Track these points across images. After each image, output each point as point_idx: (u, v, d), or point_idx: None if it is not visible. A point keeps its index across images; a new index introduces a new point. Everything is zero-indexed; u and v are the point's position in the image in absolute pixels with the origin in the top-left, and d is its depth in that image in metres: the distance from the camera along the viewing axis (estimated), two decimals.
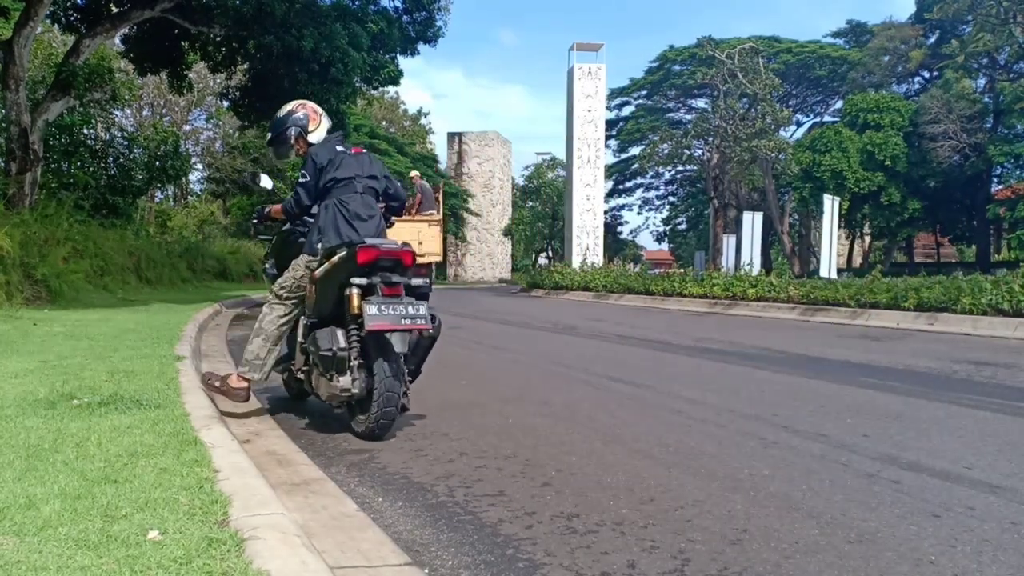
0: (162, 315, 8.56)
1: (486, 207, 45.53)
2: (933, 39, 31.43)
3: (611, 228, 44.06)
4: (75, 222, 12.90)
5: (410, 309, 3.32)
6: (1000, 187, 29.62)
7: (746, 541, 2.21)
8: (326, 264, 3.45)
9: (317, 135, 3.85)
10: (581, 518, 2.40)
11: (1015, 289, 9.47)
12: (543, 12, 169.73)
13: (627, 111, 42.34)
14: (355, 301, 3.32)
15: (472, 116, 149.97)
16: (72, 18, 14.13)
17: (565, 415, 4.04)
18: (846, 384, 5.17)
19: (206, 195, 38.84)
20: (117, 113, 24.36)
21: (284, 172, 33.78)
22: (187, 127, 35.93)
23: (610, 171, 40.26)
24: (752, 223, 20.02)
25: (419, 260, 3.63)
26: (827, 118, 37.91)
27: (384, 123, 48.58)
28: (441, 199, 17.60)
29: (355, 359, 3.34)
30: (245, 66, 15.46)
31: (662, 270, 26.79)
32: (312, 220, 3.76)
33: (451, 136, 46.81)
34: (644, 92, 40.75)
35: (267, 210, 4.04)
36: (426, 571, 1.98)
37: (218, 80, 25.19)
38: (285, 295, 3.67)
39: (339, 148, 3.74)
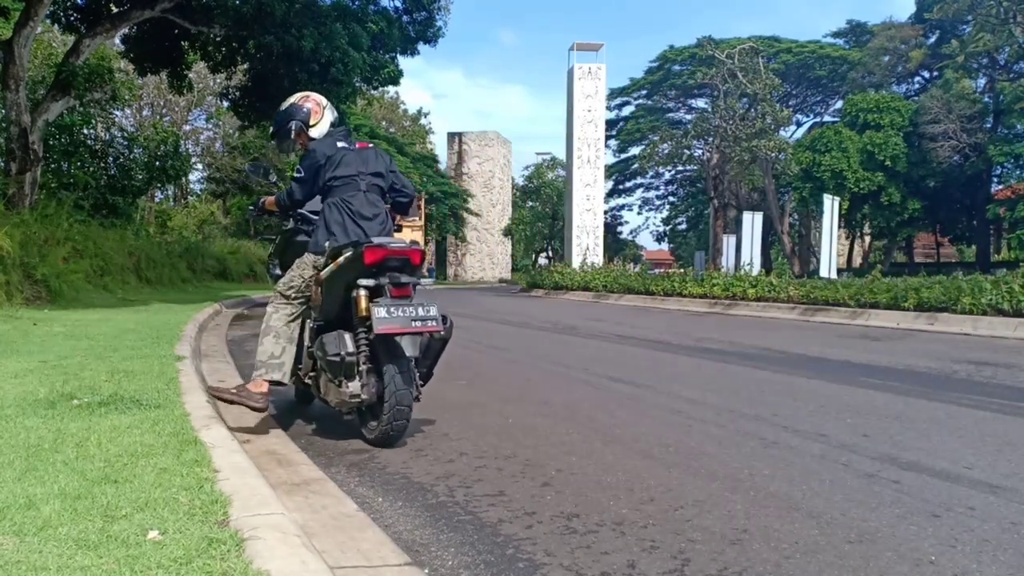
0: (162, 315, 8.56)
1: (486, 207, 45.54)
2: (933, 39, 31.45)
3: (611, 228, 44.07)
4: (75, 222, 12.91)
5: (420, 311, 3.19)
6: (1000, 187, 29.63)
7: (746, 541, 2.21)
8: (331, 265, 3.33)
9: (319, 129, 3.71)
10: (581, 518, 2.40)
11: (1015, 289, 9.47)
12: (543, 12, 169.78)
13: (627, 111, 42.41)
14: (363, 303, 3.20)
15: (472, 116, 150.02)
16: (72, 18, 14.14)
17: (565, 415, 4.04)
18: (846, 384, 5.17)
19: (206, 195, 38.88)
20: (117, 113, 24.37)
21: (284, 171, 33.83)
22: (187, 127, 35.98)
23: (610, 171, 40.28)
24: (752, 223, 20.03)
25: None
26: (827, 118, 37.96)
27: (384, 123, 48.59)
28: (422, 206, 17.77)
29: (364, 364, 3.21)
30: (245, 66, 15.47)
31: (662, 270, 26.80)
32: (316, 219, 3.65)
33: (451, 136, 46.83)
34: (644, 92, 40.77)
35: (262, 202, 3.96)
36: (426, 571, 1.98)
37: (218, 80, 25.19)
38: (293, 295, 3.54)
39: (341, 144, 3.59)
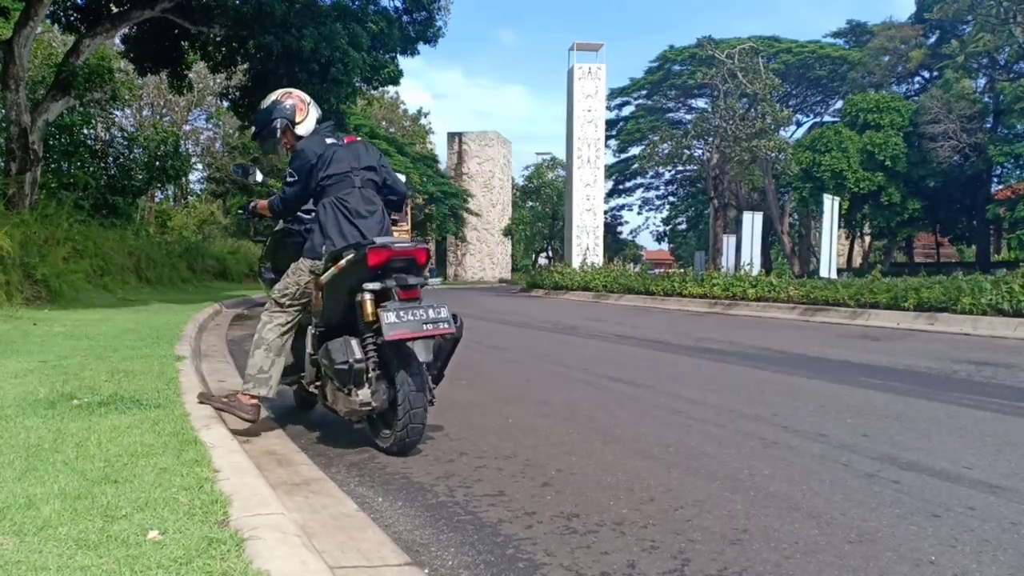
0: (162, 315, 8.56)
1: (486, 207, 45.54)
2: (933, 39, 31.45)
3: (611, 228, 44.08)
4: (75, 222, 12.91)
5: (431, 313, 3.05)
6: (1000, 187, 29.64)
7: (746, 541, 2.21)
8: (332, 269, 3.19)
9: (305, 126, 3.54)
10: (581, 518, 2.40)
11: (1015, 289, 9.47)
12: (543, 12, 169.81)
13: (627, 111, 42.42)
14: (369, 308, 3.06)
15: (472, 116, 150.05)
16: (72, 18, 14.14)
17: (565, 415, 4.04)
18: (846, 384, 5.17)
19: (206, 195, 38.87)
20: (117, 113, 24.37)
21: (284, 171, 33.77)
22: (187, 127, 35.99)
23: (610, 171, 40.30)
24: (752, 223, 20.03)
25: None
26: (827, 118, 37.96)
27: (384, 123, 48.60)
28: (409, 210, 17.75)
29: (373, 370, 3.08)
30: (245, 66, 15.48)
31: (662, 270, 26.80)
32: (310, 220, 3.51)
33: (451, 136, 46.83)
34: (644, 92, 40.77)
35: (253, 205, 3.79)
36: (426, 571, 1.98)
37: (218, 80, 25.20)
38: (288, 302, 3.39)
39: (329, 140, 3.45)
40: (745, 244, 19.87)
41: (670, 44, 39.85)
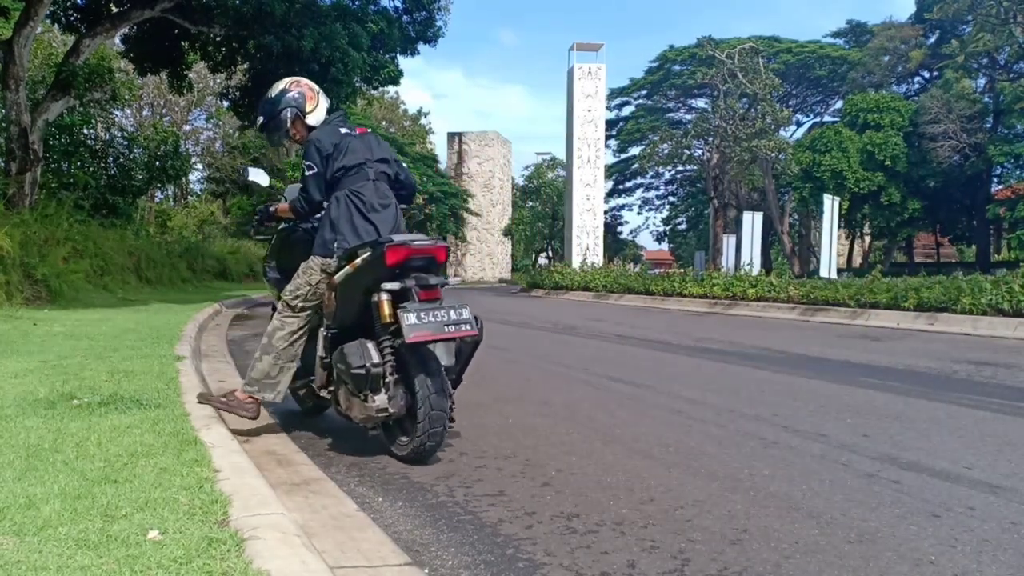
0: (162, 315, 8.56)
1: (486, 207, 45.54)
2: (933, 39, 31.46)
3: (611, 228, 44.08)
4: (75, 222, 12.92)
5: (452, 314, 2.91)
6: (1000, 187, 29.64)
7: (746, 541, 2.21)
8: (347, 268, 3.04)
9: (316, 116, 3.36)
10: (581, 518, 2.40)
11: (1015, 289, 9.47)
12: (543, 12, 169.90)
13: (627, 111, 42.43)
14: (386, 309, 2.91)
15: (472, 116, 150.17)
16: (72, 18, 14.14)
17: (565, 415, 4.04)
18: (846, 384, 5.17)
19: (206, 195, 38.88)
20: (117, 113, 24.37)
21: (284, 172, 33.77)
22: (187, 127, 35.99)
23: (610, 171, 40.31)
24: (752, 223, 20.04)
25: None
26: (827, 118, 37.97)
27: (384, 123, 48.58)
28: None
29: (391, 374, 2.93)
30: (245, 66, 15.48)
31: (662, 270, 26.80)
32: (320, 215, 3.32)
33: (451, 136, 46.83)
34: (644, 92, 40.78)
35: (272, 209, 3.58)
36: (426, 571, 1.98)
37: (218, 80, 25.20)
38: (300, 305, 3.21)
39: (343, 130, 3.28)
40: (745, 244, 19.87)
41: (670, 44, 39.90)
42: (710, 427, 3.77)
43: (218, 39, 14.55)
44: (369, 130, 3.43)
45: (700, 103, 39.13)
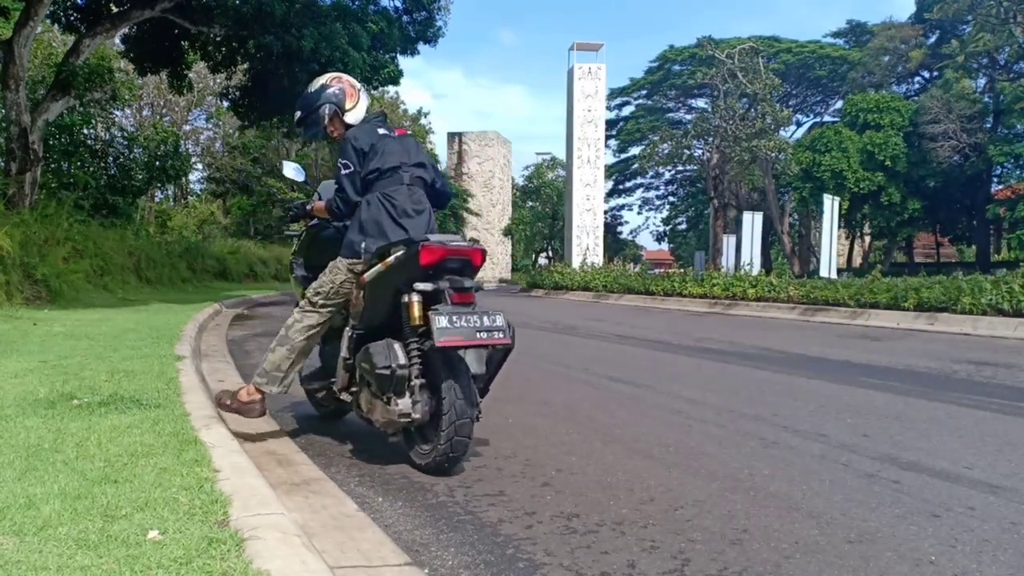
0: (162, 315, 8.56)
1: (486, 207, 45.55)
2: (933, 39, 31.47)
3: (611, 228, 44.09)
4: (75, 222, 12.92)
5: (486, 320, 2.79)
6: (1000, 187, 29.66)
7: (746, 541, 2.21)
8: (379, 266, 2.94)
9: (355, 114, 3.26)
10: (581, 518, 2.40)
11: (1015, 289, 9.47)
12: (543, 12, 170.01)
13: (627, 111, 42.47)
14: (416, 310, 2.80)
15: (472, 116, 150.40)
16: (72, 18, 14.15)
17: (565, 415, 4.04)
18: (846, 384, 5.17)
19: (206, 195, 38.88)
20: (117, 113, 24.38)
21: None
22: (187, 127, 35.98)
23: (610, 171, 40.32)
24: (752, 223, 20.04)
25: None
26: (827, 118, 37.99)
27: None
28: None
29: (416, 378, 2.82)
30: (245, 66, 15.48)
31: (662, 270, 26.81)
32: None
33: (451, 136, 46.84)
34: (644, 92, 40.81)
35: (309, 207, 3.46)
36: (426, 571, 1.98)
37: (218, 80, 25.19)
38: (321, 302, 3.14)
39: (381, 131, 3.18)
40: (745, 244, 19.88)
41: (670, 44, 39.93)
42: (710, 427, 3.77)
43: (218, 39, 14.55)
44: (409, 133, 3.33)
45: (700, 103, 39.18)
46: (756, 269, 17.37)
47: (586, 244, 27.48)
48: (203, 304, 10.71)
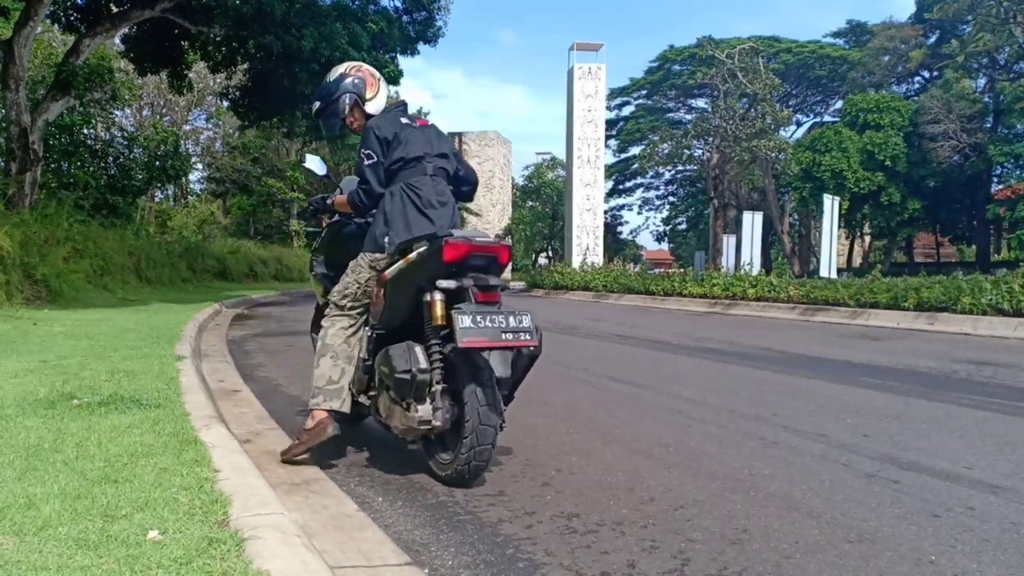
0: (162, 315, 8.56)
1: (486, 207, 45.54)
2: (933, 39, 31.48)
3: (611, 228, 44.12)
4: (75, 222, 12.92)
5: (512, 321, 2.64)
6: (1000, 187, 29.68)
7: (746, 541, 2.21)
8: (400, 262, 2.81)
9: (376, 104, 3.15)
10: (581, 518, 2.40)
11: (1015, 289, 9.47)
12: (543, 12, 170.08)
13: (627, 111, 42.48)
14: (439, 310, 2.66)
15: (472, 116, 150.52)
16: (72, 18, 14.15)
17: (565, 415, 4.04)
18: (846, 384, 5.17)
19: (206, 195, 38.86)
20: (117, 113, 24.38)
21: (284, 172, 33.72)
22: (187, 127, 35.98)
23: (610, 171, 40.32)
24: (752, 223, 20.04)
25: None
26: (827, 118, 38.01)
27: None
28: None
29: (438, 383, 2.68)
30: (245, 66, 15.48)
31: (662, 270, 26.80)
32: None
33: (451, 136, 46.72)
34: (644, 92, 40.81)
35: (330, 201, 3.33)
36: (426, 571, 1.98)
37: (218, 80, 25.19)
38: (349, 304, 3.00)
39: (403, 120, 3.06)
40: (745, 244, 19.87)
41: (670, 44, 39.96)
42: (710, 427, 3.77)
43: (218, 39, 14.55)
44: (431, 123, 3.18)
45: (700, 103, 39.20)
46: (756, 269, 17.36)
47: (586, 244, 27.47)
48: (203, 304, 10.71)
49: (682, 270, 19.32)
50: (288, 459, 2.91)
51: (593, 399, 4.59)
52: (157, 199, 33.30)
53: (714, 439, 3.51)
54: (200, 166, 36.97)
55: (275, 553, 1.78)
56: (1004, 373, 5.75)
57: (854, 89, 32.17)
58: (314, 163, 3.50)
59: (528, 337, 2.67)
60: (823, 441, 3.45)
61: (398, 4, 15.71)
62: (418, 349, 2.71)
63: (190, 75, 16.76)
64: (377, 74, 3.24)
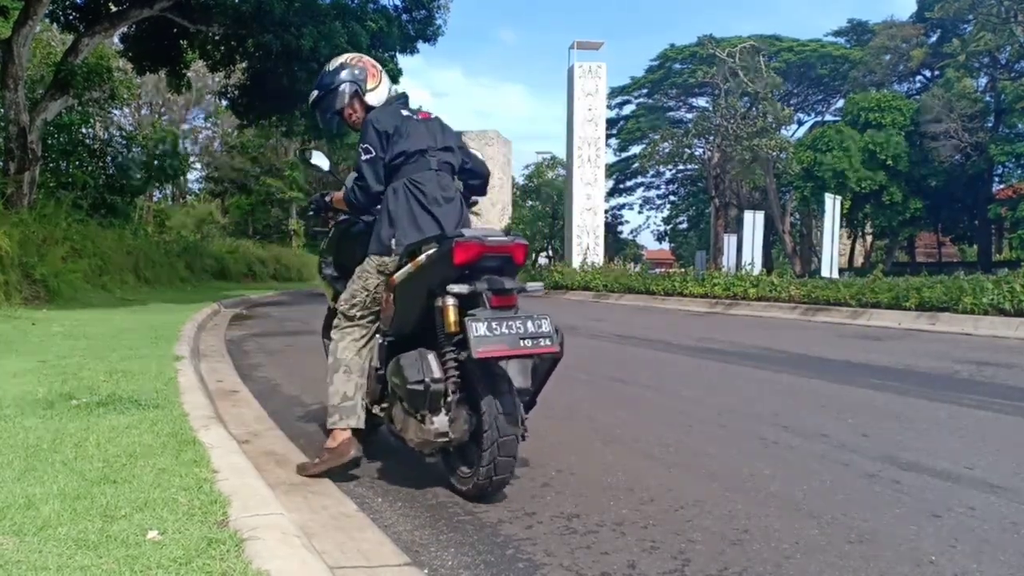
0: (160, 315, 8.56)
1: (486, 207, 45.43)
2: (934, 38, 31.46)
3: (611, 227, 44.07)
4: (73, 221, 12.92)
5: (530, 326, 2.48)
6: (1001, 186, 29.65)
7: (746, 541, 2.20)
8: (409, 266, 2.64)
9: (377, 95, 3.00)
10: (581, 518, 2.39)
11: (1016, 289, 9.46)
12: (543, 11, 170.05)
13: (628, 110, 42.43)
14: (452, 316, 2.49)
15: (472, 115, 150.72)
16: (71, 17, 14.14)
17: (565, 415, 4.04)
18: (847, 384, 5.17)
19: (204, 194, 38.88)
20: (115, 112, 24.38)
21: (283, 171, 33.71)
22: (185, 126, 36.01)
23: (611, 170, 40.28)
24: (753, 222, 20.02)
25: None
26: (828, 117, 37.97)
27: None
28: None
29: (453, 392, 2.53)
30: (244, 65, 15.48)
31: (663, 270, 26.80)
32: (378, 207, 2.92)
33: None
34: (645, 91, 40.77)
35: (329, 198, 3.21)
36: (426, 571, 1.98)
37: (217, 79, 25.18)
38: (359, 314, 2.85)
39: (405, 112, 2.92)
40: (746, 243, 19.86)
41: (671, 43, 39.99)
42: (711, 427, 3.77)
43: (217, 38, 14.55)
44: (434, 115, 3.02)
45: (701, 102, 39.16)
46: (757, 269, 17.35)
47: (586, 243, 27.45)
48: (201, 304, 10.70)
49: (683, 270, 19.30)
50: (304, 474, 2.80)
51: (593, 399, 4.58)
52: (156, 198, 33.31)
53: (715, 439, 3.50)
54: (199, 165, 37.02)
55: (275, 553, 1.78)
56: (1005, 373, 5.74)
57: (855, 88, 32.16)
58: (319, 158, 3.40)
59: (548, 343, 2.52)
60: (824, 441, 3.45)
61: (397, 2, 15.71)
62: (431, 357, 2.55)
63: (189, 74, 16.77)
64: (379, 65, 3.12)
